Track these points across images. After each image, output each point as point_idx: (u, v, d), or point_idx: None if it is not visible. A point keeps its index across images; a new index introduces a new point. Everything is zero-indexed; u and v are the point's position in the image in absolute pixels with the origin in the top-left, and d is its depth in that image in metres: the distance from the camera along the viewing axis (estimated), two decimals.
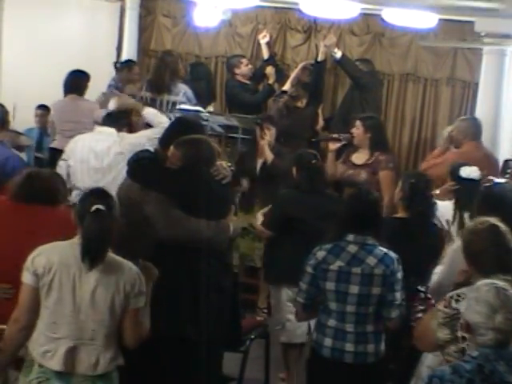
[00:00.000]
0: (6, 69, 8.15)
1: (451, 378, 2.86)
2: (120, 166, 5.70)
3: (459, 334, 3.32)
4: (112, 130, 5.93)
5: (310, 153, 5.72)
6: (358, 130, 6.64)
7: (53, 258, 3.48)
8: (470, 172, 5.27)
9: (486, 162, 5.97)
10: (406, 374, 4.22)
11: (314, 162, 5.52)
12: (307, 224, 5.24)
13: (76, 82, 7.62)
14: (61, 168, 5.87)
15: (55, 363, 3.46)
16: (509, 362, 2.87)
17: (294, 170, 5.58)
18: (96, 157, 5.83)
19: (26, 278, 3.50)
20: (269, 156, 6.71)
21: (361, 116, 6.88)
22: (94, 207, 3.42)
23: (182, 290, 4.13)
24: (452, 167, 5.51)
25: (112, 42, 9.11)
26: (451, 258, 4.15)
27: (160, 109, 7.51)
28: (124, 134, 5.94)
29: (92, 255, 3.43)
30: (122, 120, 6.10)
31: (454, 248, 4.15)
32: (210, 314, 4.12)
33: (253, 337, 5.23)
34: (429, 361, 3.95)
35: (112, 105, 6.38)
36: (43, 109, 8.08)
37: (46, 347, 3.48)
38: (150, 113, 6.30)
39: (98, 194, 3.56)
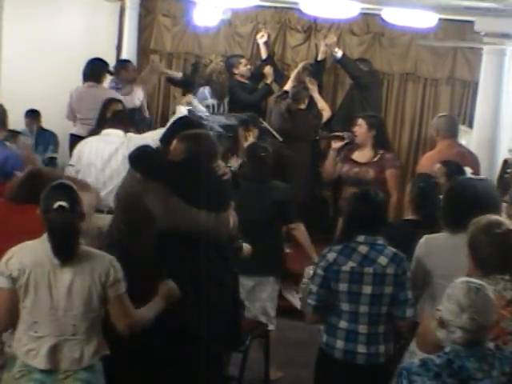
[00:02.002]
0: (5, 69, 8.15)
1: (418, 370, 2.89)
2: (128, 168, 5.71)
3: None
4: (119, 132, 5.91)
5: (260, 146, 5.79)
6: (361, 128, 6.66)
7: (26, 259, 3.49)
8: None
9: (460, 159, 5.97)
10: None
11: (262, 154, 5.58)
12: (243, 211, 5.30)
13: (94, 69, 7.69)
14: (68, 173, 5.85)
15: (39, 362, 3.48)
16: (480, 360, 2.89)
17: (246, 161, 5.75)
18: (104, 160, 5.80)
19: (2, 282, 3.50)
20: None
21: (363, 115, 6.89)
22: (57, 204, 3.42)
23: (182, 281, 4.12)
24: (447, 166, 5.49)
25: (112, 42, 9.11)
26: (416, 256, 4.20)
27: (223, 112, 7.78)
28: (131, 135, 5.92)
29: (62, 251, 3.44)
30: (128, 120, 6.12)
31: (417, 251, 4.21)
32: (210, 306, 4.12)
33: (253, 337, 5.23)
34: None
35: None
36: (31, 114, 8.04)
37: (29, 346, 3.50)
38: (180, 110, 6.36)
39: (62, 189, 3.54)
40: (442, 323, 2.97)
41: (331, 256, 4.07)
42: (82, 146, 6.02)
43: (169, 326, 4.05)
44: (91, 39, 8.72)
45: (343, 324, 4.07)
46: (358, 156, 6.66)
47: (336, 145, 6.90)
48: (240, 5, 7.92)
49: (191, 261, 4.07)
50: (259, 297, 5.56)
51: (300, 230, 5.73)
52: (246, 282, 5.44)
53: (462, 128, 8.10)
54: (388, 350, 4.12)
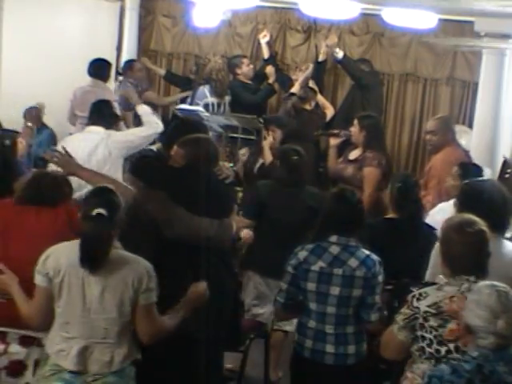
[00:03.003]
0: (6, 69, 8.16)
1: (450, 377, 2.87)
2: (108, 167, 5.73)
3: (419, 333, 3.33)
4: (100, 129, 5.92)
5: (293, 149, 5.76)
6: (354, 128, 6.74)
7: (61, 260, 3.51)
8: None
9: (467, 160, 5.98)
10: (399, 374, 4.21)
11: (295, 157, 5.56)
12: (278, 214, 5.33)
13: (101, 68, 7.82)
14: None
15: (69, 363, 3.49)
16: (508, 363, 2.88)
17: (278, 164, 5.73)
18: (84, 157, 5.81)
19: (38, 279, 3.53)
20: (267, 157, 6.74)
21: (359, 115, 6.93)
22: (95, 211, 3.42)
23: (184, 288, 4.13)
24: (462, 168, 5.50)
25: (112, 42, 9.11)
26: (435, 258, 4.18)
27: (224, 112, 7.78)
28: (111, 132, 5.92)
29: (90, 260, 3.44)
30: (110, 116, 6.08)
31: (437, 247, 4.19)
32: (211, 312, 4.12)
33: (252, 337, 5.23)
34: None
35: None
36: (32, 112, 8.05)
37: (60, 346, 3.52)
38: (142, 110, 6.30)
39: (102, 195, 3.54)
40: (468, 329, 2.95)
41: (302, 255, 4.06)
42: (64, 143, 6.04)
43: None
44: (91, 40, 8.72)
45: (312, 323, 4.06)
46: (352, 154, 6.75)
47: (334, 142, 7.00)
48: (240, 5, 7.92)
49: (192, 266, 4.07)
50: None
51: None
52: (276, 285, 5.43)
53: (462, 128, 8.11)
54: (359, 350, 4.09)
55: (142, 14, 9.35)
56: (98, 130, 5.92)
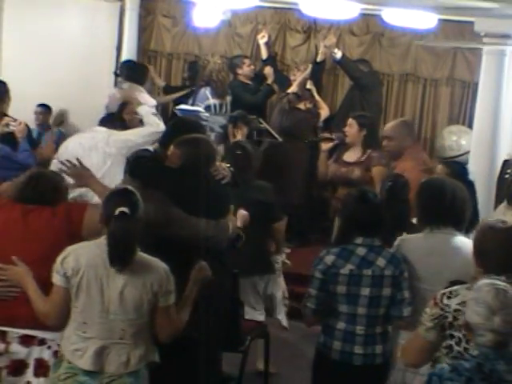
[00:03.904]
0: (6, 69, 8.16)
1: (450, 376, 2.86)
2: (108, 165, 5.77)
3: (447, 332, 3.32)
4: (103, 129, 6.01)
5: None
6: (351, 128, 6.69)
7: (80, 259, 3.50)
8: None
9: (431, 165, 6.02)
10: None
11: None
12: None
13: (137, 71, 7.85)
14: (53, 166, 5.91)
15: (85, 362, 3.48)
16: (508, 362, 2.86)
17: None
18: (84, 153, 5.84)
19: (56, 279, 3.53)
20: None
21: (354, 115, 6.90)
22: (118, 210, 3.44)
23: (180, 288, 4.13)
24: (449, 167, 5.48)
25: (112, 42, 9.10)
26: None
27: (226, 112, 7.77)
28: (113, 131, 5.98)
29: (120, 259, 3.46)
30: (116, 121, 6.16)
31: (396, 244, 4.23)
32: (209, 313, 4.12)
33: (252, 337, 5.23)
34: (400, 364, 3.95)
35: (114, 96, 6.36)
36: (43, 107, 8.10)
37: (77, 346, 3.51)
38: (143, 110, 6.32)
39: (123, 194, 3.57)
40: (468, 327, 2.95)
41: (329, 259, 4.03)
42: (68, 142, 6.11)
43: None
44: (91, 40, 8.73)
45: (341, 325, 4.05)
46: (347, 156, 6.70)
47: (326, 146, 6.99)
48: (240, 5, 7.92)
49: (189, 266, 4.07)
50: (252, 293, 5.57)
51: (281, 228, 5.67)
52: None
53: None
54: (385, 350, 4.10)
55: (142, 14, 9.35)
56: (100, 130, 6.02)
